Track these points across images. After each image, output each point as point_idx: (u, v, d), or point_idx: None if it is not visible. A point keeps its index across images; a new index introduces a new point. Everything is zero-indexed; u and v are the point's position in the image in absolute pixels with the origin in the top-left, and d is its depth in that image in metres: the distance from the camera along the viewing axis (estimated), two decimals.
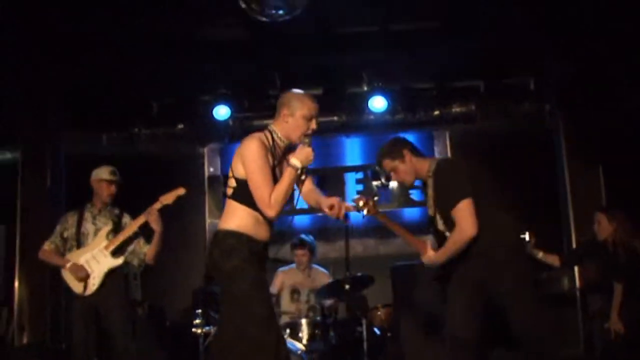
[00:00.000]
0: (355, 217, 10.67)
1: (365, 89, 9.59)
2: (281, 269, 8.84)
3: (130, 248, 6.79)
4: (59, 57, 8.73)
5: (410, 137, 10.31)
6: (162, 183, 6.91)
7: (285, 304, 8.42)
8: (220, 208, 9.99)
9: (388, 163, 5.61)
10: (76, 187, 9.06)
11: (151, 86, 9.90)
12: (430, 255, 5.44)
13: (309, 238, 8.76)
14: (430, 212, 5.55)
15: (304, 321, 7.58)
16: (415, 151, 5.60)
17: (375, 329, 7.96)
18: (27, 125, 9.25)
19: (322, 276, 8.66)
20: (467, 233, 5.09)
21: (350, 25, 8.78)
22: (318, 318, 7.67)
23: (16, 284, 8.67)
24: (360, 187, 10.70)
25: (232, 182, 4.77)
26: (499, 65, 9.50)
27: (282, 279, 8.72)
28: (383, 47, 9.02)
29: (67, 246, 6.83)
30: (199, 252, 10.30)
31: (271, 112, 9.51)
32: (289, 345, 7.14)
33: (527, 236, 7.46)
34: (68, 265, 6.63)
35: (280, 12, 6.02)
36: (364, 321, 7.53)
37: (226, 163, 10.99)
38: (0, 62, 8.61)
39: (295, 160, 4.69)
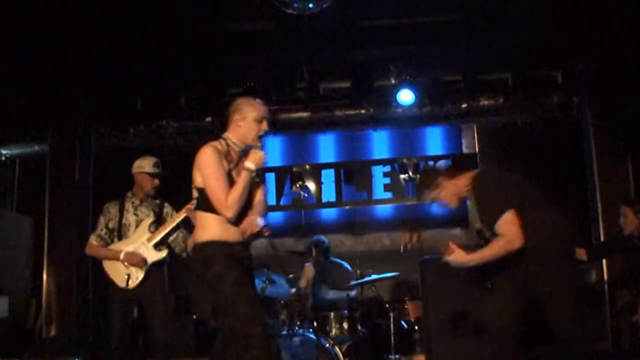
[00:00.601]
0: (384, 210, 10.77)
1: (393, 81, 9.53)
2: (307, 263, 8.87)
3: (171, 239, 6.74)
4: (87, 51, 8.76)
5: (437, 130, 10.54)
6: (190, 176, 6.77)
7: (310, 298, 8.45)
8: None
9: (429, 195, 5.60)
10: (103, 180, 9.18)
11: (179, 79, 9.93)
12: (459, 255, 5.30)
13: (320, 240, 8.77)
14: (477, 225, 5.62)
15: (332, 315, 7.60)
16: (449, 174, 5.59)
17: (403, 323, 7.96)
18: (55, 118, 9.29)
19: (340, 268, 8.70)
20: (513, 244, 5.08)
21: (377, 17, 8.73)
22: (345, 312, 7.68)
23: (44, 276, 8.72)
24: (387, 180, 10.66)
25: (194, 193, 4.98)
26: (527, 57, 9.41)
27: (308, 274, 8.76)
28: (410, 39, 8.98)
29: (112, 237, 6.77)
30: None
31: (299, 105, 9.83)
32: (313, 336, 7.24)
33: None
34: (122, 255, 6.57)
35: (310, 5, 6.01)
36: (391, 315, 7.54)
37: None
38: (29, 56, 8.69)
39: (249, 163, 4.92)
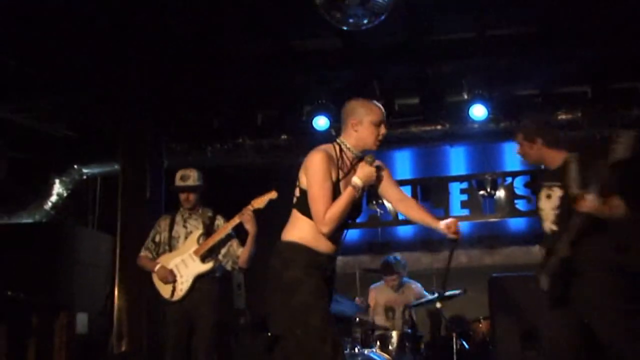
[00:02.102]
0: (462, 227, 10.58)
1: (466, 97, 9.39)
2: (373, 286, 8.82)
3: (224, 250, 6.65)
4: (163, 70, 8.90)
5: (515, 145, 10.35)
6: (261, 193, 6.57)
7: (380, 320, 8.37)
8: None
9: (520, 137, 5.54)
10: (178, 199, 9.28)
11: (255, 97, 10.01)
12: (593, 202, 4.97)
13: (395, 260, 8.69)
14: (573, 190, 5.23)
15: (394, 333, 7.52)
16: (551, 142, 5.44)
17: (464, 343, 7.83)
18: (127, 137, 9.43)
19: (414, 290, 8.61)
20: (623, 209, 5.09)
21: (447, 31, 8.65)
22: (409, 330, 7.60)
23: (115, 292, 8.85)
24: (464, 197, 10.55)
25: (297, 192, 4.68)
26: (605, 70, 9.18)
27: (375, 296, 8.71)
28: (482, 53, 8.87)
29: (159, 250, 6.77)
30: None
31: None
32: (375, 356, 7.15)
33: None
34: (156, 268, 6.59)
35: (364, 20, 5.95)
36: (454, 335, 7.43)
37: None
38: (102, 75, 8.87)
39: (357, 179, 4.57)
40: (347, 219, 4.64)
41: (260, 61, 8.94)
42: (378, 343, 7.45)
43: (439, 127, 9.70)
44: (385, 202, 10.57)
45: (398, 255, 8.84)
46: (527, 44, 8.61)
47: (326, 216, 4.49)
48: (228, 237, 6.63)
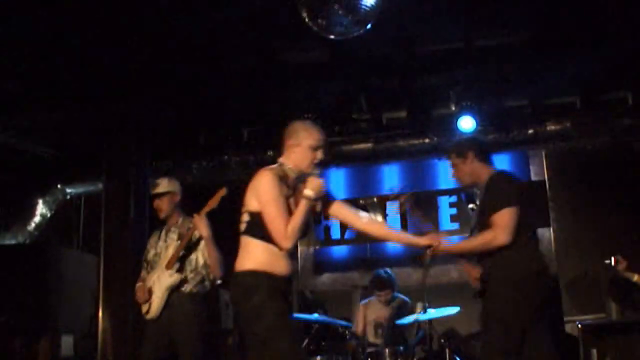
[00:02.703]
0: (452, 241, 10.50)
1: (453, 109, 9.30)
2: (362, 302, 8.70)
3: (199, 260, 6.40)
4: (147, 87, 8.79)
5: (504, 157, 10.27)
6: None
7: (371, 337, 8.25)
8: (313, 233, 9.89)
9: (453, 158, 5.62)
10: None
11: (241, 113, 9.90)
12: (444, 242, 5.26)
13: (386, 275, 8.58)
14: (473, 221, 5.61)
15: (386, 351, 7.39)
16: (481, 156, 5.53)
17: (457, 359, 7.72)
18: (110, 156, 9.30)
19: (405, 305, 8.49)
20: (499, 240, 5.05)
21: (433, 42, 8.54)
22: (401, 348, 7.46)
23: (100, 314, 8.71)
24: (453, 210, 10.44)
25: (245, 217, 4.72)
26: (594, 79, 9.12)
27: (364, 313, 8.58)
28: (470, 64, 8.77)
29: (149, 269, 6.55)
30: (294, 279, 10.23)
31: (359, 135, 9.67)
32: None
33: (612, 261, 7.24)
34: (136, 286, 6.45)
35: (350, 29, 5.86)
36: (447, 351, 7.35)
37: None
38: (85, 93, 8.75)
39: (308, 191, 4.67)
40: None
41: (245, 75, 8.82)
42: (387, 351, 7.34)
43: (426, 140, 9.63)
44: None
45: (389, 270, 8.71)
46: (515, 54, 8.50)
47: (287, 230, 4.56)
48: (191, 246, 6.39)
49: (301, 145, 4.83)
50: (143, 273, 6.61)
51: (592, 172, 9.78)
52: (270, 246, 4.64)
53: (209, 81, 8.89)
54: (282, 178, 4.76)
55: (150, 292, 6.35)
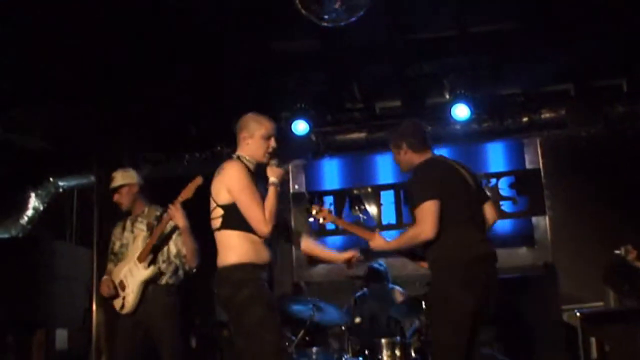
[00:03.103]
0: None
1: (448, 97, 9.24)
2: (357, 295, 8.64)
3: (165, 255, 6.19)
4: (138, 78, 8.73)
5: (499, 145, 10.24)
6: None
7: (366, 328, 8.19)
8: (305, 225, 9.82)
9: (392, 147, 5.64)
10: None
11: (232, 104, 9.83)
12: (379, 241, 5.41)
13: (380, 267, 8.53)
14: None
15: (383, 341, 7.32)
16: (415, 145, 5.54)
17: None
18: (102, 148, 9.24)
19: (399, 296, 8.43)
20: (424, 234, 5.05)
21: (427, 30, 8.48)
22: (398, 338, 7.41)
23: (94, 307, 8.65)
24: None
25: (218, 212, 4.78)
26: (588, 67, 9.08)
27: (360, 305, 8.52)
28: (464, 52, 8.72)
29: (117, 261, 6.39)
30: (285, 270, 10.18)
31: (353, 125, 9.63)
32: None
33: (622, 251, 7.20)
34: (102, 280, 6.29)
35: (343, 15, 5.81)
36: None
37: (311, 179, 10.86)
38: (77, 86, 8.69)
39: (273, 179, 4.84)
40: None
41: (237, 65, 8.77)
42: (367, 352, 7.26)
43: None
44: (368, 208, 10.50)
45: (382, 261, 8.66)
46: (509, 42, 8.48)
47: (265, 216, 4.67)
48: (167, 236, 6.20)
49: (254, 137, 4.97)
50: (110, 266, 6.46)
51: (587, 160, 9.74)
52: (250, 235, 4.72)
53: (201, 72, 8.84)
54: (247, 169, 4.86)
55: (121, 285, 6.20)
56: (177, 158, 10.06)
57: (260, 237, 4.74)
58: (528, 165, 10.28)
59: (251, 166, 4.94)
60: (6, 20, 7.37)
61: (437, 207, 5.02)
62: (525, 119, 9.37)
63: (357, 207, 10.18)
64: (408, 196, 5.52)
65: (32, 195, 10.53)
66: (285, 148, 9.69)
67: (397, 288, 8.57)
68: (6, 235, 10.38)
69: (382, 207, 10.48)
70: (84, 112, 9.39)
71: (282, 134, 9.50)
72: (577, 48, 8.59)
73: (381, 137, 9.64)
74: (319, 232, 10.41)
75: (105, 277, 6.34)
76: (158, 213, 6.35)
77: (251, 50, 8.55)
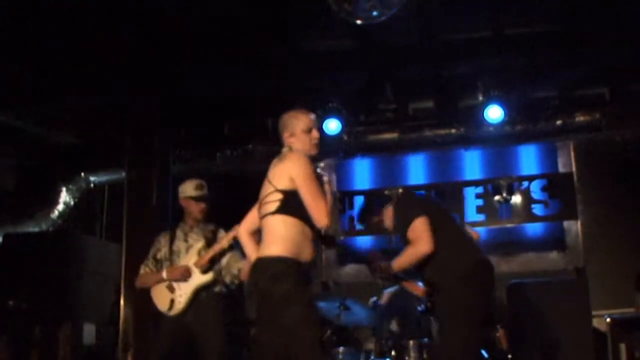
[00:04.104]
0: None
1: (481, 99, 9.15)
2: (387, 290, 8.58)
3: (223, 263, 6.34)
4: (171, 75, 8.75)
5: (531, 148, 10.15)
6: None
7: (395, 328, 8.13)
8: (337, 223, 9.79)
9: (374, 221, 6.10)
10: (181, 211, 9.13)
11: (266, 102, 9.83)
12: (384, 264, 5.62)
13: None
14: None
15: (410, 342, 7.26)
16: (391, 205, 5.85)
17: (482, 351, 7.60)
18: (133, 144, 9.26)
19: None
20: (421, 249, 5.23)
21: (461, 31, 8.42)
22: (425, 340, 7.35)
23: (122, 302, 8.67)
24: (480, 202, 10.30)
25: (275, 196, 4.65)
26: (624, 70, 8.98)
27: (389, 303, 8.46)
28: (498, 53, 8.65)
29: (160, 267, 6.43)
30: (315, 268, 10.15)
31: (385, 125, 9.58)
32: None
33: None
34: (164, 273, 6.28)
35: (374, 13, 5.78)
36: None
37: (342, 179, 10.81)
38: (108, 81, 8.72)
39: (327, 177, 4.80)
40: None
41: (270, 64, 8.76)
42: (393, 353, 7.19)
43: (453, 130, 9.50)
44: None
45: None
46: (544, 44, 8.40)
47: (327, 208, 4.58)
48: (228, 250, 6.32)
49: (295, 134, 4.88)
50: (146, 270, 6.50)
51: (621, 164, 9.63)
52: (303, 226, 4.63)
53: (234, 70, 8.85)
54: None
55: (170, 287, 6.28)
56: (209, 156, 10.03)
57: (315, 229, 4.65)
58: (561, 169, 10.17)
59: None
60: (38, 15, 7.42)
61: (427, 223, 5.21)
62: (559, 122, 9.25)
63: None
64: (396, 227, 5.64)
65: (63, 189, 10.59)
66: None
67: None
68: (37, 229, 10.46)
69: None
70: (116, 108, 9.45)
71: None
72: (612, 51, 8.50)
73: (413, 138, 9.60)
74: (348, 232, 10.39)
75: (166, 269, 6.35)
76: (212, 228, 6.50)
77: (284, 50, 8.54)
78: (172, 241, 6.50)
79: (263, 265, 4.61)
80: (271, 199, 4.66)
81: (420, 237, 5.17)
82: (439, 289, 5.33)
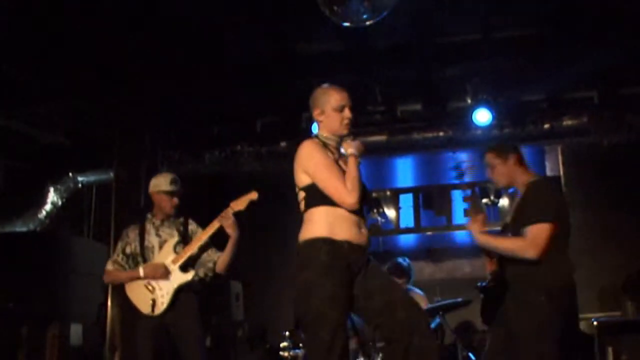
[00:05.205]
0: (465, 236, 10.45)
1: (469, 101, 9.19)
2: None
3: (200, 259, 6.19)
4: (159, 76, 8.74)
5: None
6: (266, 201, 6.17)
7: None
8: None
9: (491, 158, 5.44)
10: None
11: (255, 104, 9.84)
12: (477, 226, 5.25)
13: (405, 263, 8.44)
14: (508, 218, 5.43)
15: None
16: (521, 161, 5.41)
17: (470, 354, 7.62)
18: (122, 145, 9.25)
19: (419, 299, 8.36)
20: (529, 254, 4.95)
21: (451, 34, 8.44)
22: None
23: (109, 302, 8.65)
24: (467, 205, 10.35)
25: (301, 195, 4.49)
26: (612, 74, 9.00)
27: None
28: (487, 56, 8.66)
29: (131, 263, 6.28)
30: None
31: (374, 127, 9.59)
32: None
33: None
34: (141, 270, 6.11)
35: (365, 16, 5.77)
36: (458, 345, 7.26)
37: None
38: (98, 82, 8.70)
39: (352, 150, 4.53)
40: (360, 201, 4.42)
41: (259, 66, 8.75)
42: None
43: (441, 133, 9.52)
44: (386, 211, 10.47)
45: (407, 259, 8.58)
46: (533, 47, 8.42)
47: (347, 186, 4.34)
48: (205, 245, 6.20)
49: (325, 111, 4.65)
50: (114, 266, 6.35)
51: (608, 168, 9.67)
52: (336, 209, 4.37)
53: (223, 72, 8.83)
54: (324, 146, 4.57)
55: (149, 286, 6.13)
56: (197, 156, 10.02)
57: (347, 210, 4.35)
58: (549, 173, 10.23)
59: (332, 142, 4.62)
60: (28, 15, 7.40)
61: (550, 231, 4.94)
62: (547, 126, 9.27)
63: (375, 210, 10.12)
64: (519, 208, 5.25)
65: (51, 189, 10.57)
66: None
67: (417, 291, 8.50)
68: (24, 229, 10.43)
69: (401, 211, 10.46)
70: (105, 109, 9.43)
71: (304, 135, 9.52)
72: (601, 55, 8.51)
73: (402, 140, 9.62)
74: (392, 231, 10.42)
75: (143, 266, 6.17)
76: (182, 220, 6.37)
77: (272, 52, 8.54)
78: (142, 236, 6.34)
79: (297, 250, 4.45)
80: (299, 198, 4.52)
81: (537, 244, 4.91)
82: (517, 291, 5.15)
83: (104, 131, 9.78)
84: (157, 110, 9.36)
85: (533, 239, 4.93)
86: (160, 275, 6.08)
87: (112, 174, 9.64)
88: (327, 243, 4.30)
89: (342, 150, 4.60)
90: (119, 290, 8.46)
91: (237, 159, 9.97)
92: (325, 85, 4.79)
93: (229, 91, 9.35)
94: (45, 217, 10.60)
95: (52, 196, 10.59)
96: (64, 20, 7.54)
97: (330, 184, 4.35)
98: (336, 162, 4.51)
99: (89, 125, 10.12)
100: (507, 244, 5.14)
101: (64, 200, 10.68)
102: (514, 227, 5.16)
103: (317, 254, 4.29)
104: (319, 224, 4.37)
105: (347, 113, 4.62)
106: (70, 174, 10.60)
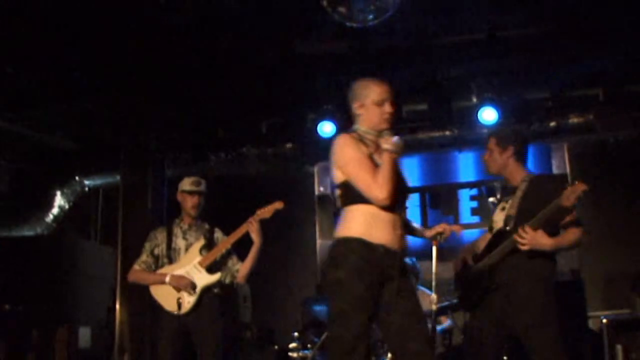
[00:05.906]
0: (472, 235, 10.39)
1: (475, 100, 9.19)
2: None
3: (223, 264, 6.36)
4: (165, 79, 8.74)
5: None
6: (265, 203, 6.24)
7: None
8: (331, 228, 9.81)
9: (492, 142, 5.48)
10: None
11: (260, 106, 9.84)
12: (539, 236, 5.17)
13: (411, 262, 8.41)
14: (511, 211, 5.45)
15: None
16: (520, 155, 5.48)
17: None
18: (128, 148, 9.27)
19: (426, 298, 8.33)
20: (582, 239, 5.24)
21: (455, 33, 8.41)
22: None
23: (117, 305, 8.66)
24: (474, 204, 10.33)
25: (337, 192, 4.36)
26: (617, 71, 8.98)
27: None
28: (492, 55, 8.65)
29: (158, 263, 6.39)
30: (309, 273, 10.16)
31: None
32: None
33: None
34: (168, 278, 6.19)
35: (370, 16, 5.76)
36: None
37: None
38: (104, 85, 8.71)
39: (387, 146, 4.31)
40: (397, 198, 4.33)
41: (264, 68, 8.75)
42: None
43: (447, 132, 9.54)
44: None
45: (414, 258, 8.56)
46: (538, 45, 8.40)
47: (378, 180, 4.21)
48: (227, 252, 6.36)
49: (365, 105, 4.52)
50: (141, 266, 6.44)
51: (615, 165, 9.65)
52: (370, 208, 4.26)
53: (228, 74, 8.83)
54: (360, 140, 4.42)
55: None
56: (203, 159, 10.04)
57: (379, 206, 4.22)
58: (555, 170, 10.19)
59: (371, 136, 4.45)
60: (34, 18, 7.41)
61: None
62: (553, 124, 9.28)
63: None
64: (526, 204, 5.32)
65: (58, 193, 10.60)
66: (310, 150, 9.77)
67: (426, 291, 8.46)
68: (31, 233, 10.46)
69: (408, 210, 10.42)
70: (111, 112, 9.44)
71: (310, 136, 9.54)
72: (606, 52, 8.51)
73: (407, 140, 9.58)
74: None
75: (170, 274, 6.24)
76: (208, 227, 6.50)
77: (278, 53, 8.54)
78: (169, 238, 6.46)
79: (331, 247, 4.38)
80: (336, 195, 4.41)
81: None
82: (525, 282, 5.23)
83: (110, 135, 9.79)
84: (162, 113, 9.36)
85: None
86: (184, 286, 6.16)
87: (118, 178, 9.66)
88: (362, 244, 4.24)
89: (382, 144, 4.39)
90: (128, 294, 8.53)
91: (243, 161, 9.99)
92: (366, 79, 4.69)
93: (234, 93, 9.36)
94: (52, 220, 10.64)
95: (59, 200, 10.62)
96: (71, 23, 7.54)
97: (360, 178, 4.25)
98: (370, 155, 4.37)
99: (95, 129, 10.13)
100: (572, 238, 5.40)
101: (71, 203, 10.72)
102: (521, 219, 5.20)
103: (350, 254, 4.23)
104: (355, 222, 4.29)
105: (387, 107, 4.51)
106: (77, 178, 10.63)
